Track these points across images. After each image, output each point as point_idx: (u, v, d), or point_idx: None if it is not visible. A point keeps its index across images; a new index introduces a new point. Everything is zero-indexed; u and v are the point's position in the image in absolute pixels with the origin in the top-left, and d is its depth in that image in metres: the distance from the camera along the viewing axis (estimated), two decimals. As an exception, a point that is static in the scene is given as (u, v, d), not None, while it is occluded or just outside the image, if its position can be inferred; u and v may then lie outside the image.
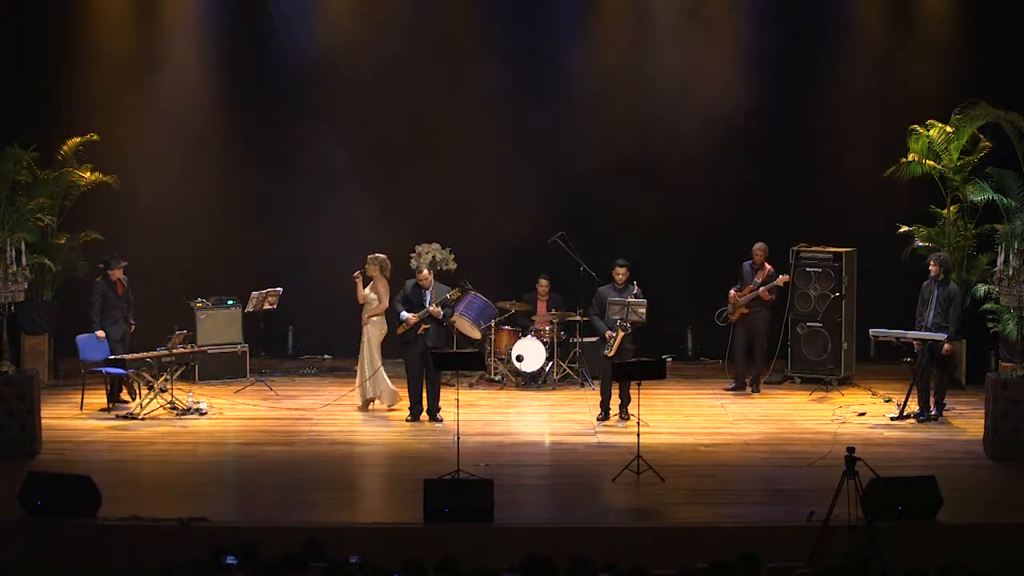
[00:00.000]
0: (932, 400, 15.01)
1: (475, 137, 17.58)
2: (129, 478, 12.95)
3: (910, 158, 16.55)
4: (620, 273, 15.12)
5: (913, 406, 15.00)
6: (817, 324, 16.81)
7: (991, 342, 16.66)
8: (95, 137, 16.97)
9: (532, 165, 17.69)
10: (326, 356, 17.99)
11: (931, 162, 16.51)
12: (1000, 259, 13.95)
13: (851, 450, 10.75)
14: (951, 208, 16.73)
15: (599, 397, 15.17)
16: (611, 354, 14.77)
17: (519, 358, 16.62)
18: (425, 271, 15.14)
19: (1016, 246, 13.89)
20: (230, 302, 17.21)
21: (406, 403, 15.13)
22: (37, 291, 16.51)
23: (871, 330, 15.46)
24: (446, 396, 14.90)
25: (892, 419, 15.00)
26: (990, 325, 16.30)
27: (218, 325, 17.08)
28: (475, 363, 14.50)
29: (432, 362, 14.31)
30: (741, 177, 17.69)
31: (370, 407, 15.54)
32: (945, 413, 15.14)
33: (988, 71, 17.16)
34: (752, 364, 16.59)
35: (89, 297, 15.84)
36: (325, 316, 17.76)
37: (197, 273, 17.43)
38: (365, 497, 12.99)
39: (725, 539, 10.95)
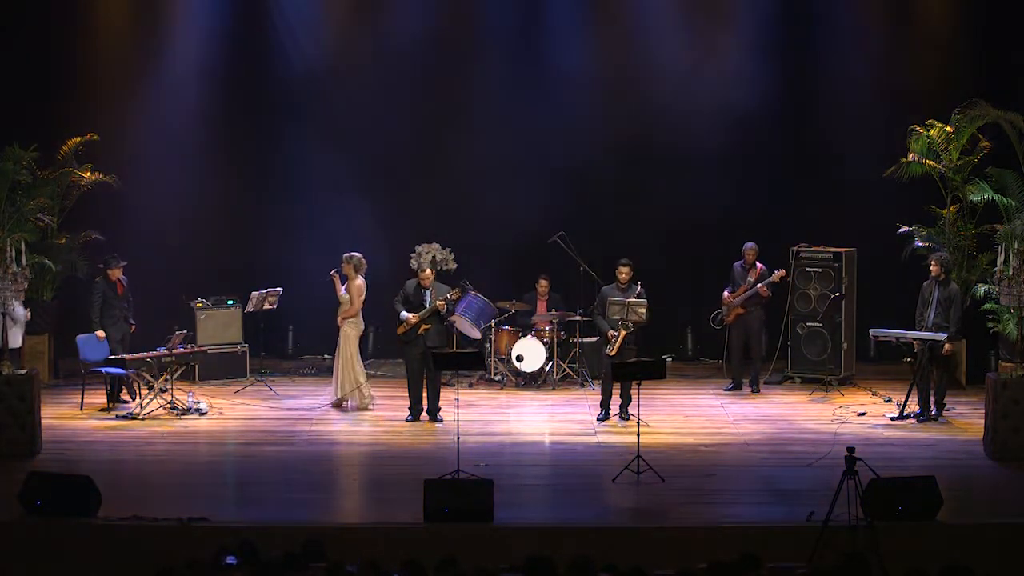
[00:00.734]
0: (932, 400, 15.00)
1: (475, 137, 17.61)
2: (129, 478, 12.94)
3: (910, 158, 16.54)
4: (623, 272, 15.07)
5: (913, 406, 14.99)
6: (817, 324, 16.81)
7: (991, 342, 16.67)
8: (95, 137, 16.99)
9: (532, 165, 17.69)
10: (326, 356, 17.93)
11: (931, 162, 16.51)
12: (1000, 259, 13.94)
13: (851, 450, 10.72)
14: (951, 208, 16.73)
15: (599, 397, 15.17)
16: (612, 353, 14.77)
17: (519, 358, 16.62)
18: (428, 270, 15.15)
19: (1016, 246, 13.88)
20: (230, 302, 17.21)
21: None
22: (37, 291, 16.51)
23: (871, 330, 15.45)
24: (446, 396, 14.91)
25: (892, 419, 14.99)
26: (990, 325, 16.30)
27: (218, 325, 17.10)
28: (475, 363, 14.49)
29: (432, 362, 14.30)
30: (741, 177, 17.69)
31: (343, 406, 15.56)
32: (945, 413, 15.13)
33: (988, 71, 17.16)
34: (750, 364, 16.60)
35: (89, 297, 15.83)
36: (325, 316, 17.70)
37: (197, 273, 17.44)
38: (365, 497, 12.98)
39: (725, 539, 10.93)
